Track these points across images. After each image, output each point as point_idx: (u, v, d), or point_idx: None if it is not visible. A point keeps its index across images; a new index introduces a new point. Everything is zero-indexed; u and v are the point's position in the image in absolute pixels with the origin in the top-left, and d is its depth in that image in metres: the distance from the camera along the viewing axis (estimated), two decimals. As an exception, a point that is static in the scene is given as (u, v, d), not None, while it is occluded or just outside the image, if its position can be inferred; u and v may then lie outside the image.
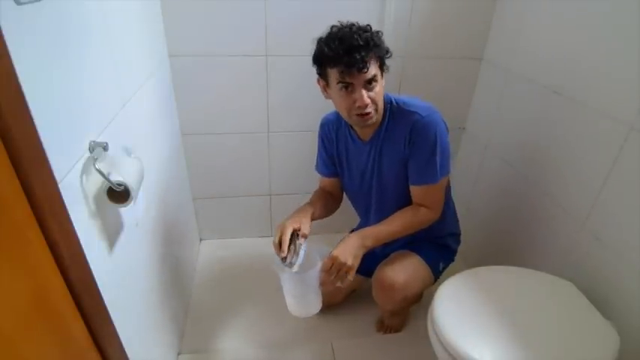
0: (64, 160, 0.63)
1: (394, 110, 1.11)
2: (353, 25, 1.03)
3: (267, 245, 1.88)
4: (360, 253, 1.08)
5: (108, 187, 0.74)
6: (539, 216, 1.33)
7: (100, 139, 0.74)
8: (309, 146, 1.71)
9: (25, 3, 0.52)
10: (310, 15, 1.44)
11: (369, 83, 1.01)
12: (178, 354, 1.38)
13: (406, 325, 1.51)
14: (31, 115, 0.53)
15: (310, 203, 1.23)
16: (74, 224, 0.62)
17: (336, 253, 1.06)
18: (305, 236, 1.10)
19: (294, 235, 1.09)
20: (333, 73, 1.01)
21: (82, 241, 0.64)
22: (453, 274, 1.13)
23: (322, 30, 1.46)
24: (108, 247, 0.79)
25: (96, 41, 0.80)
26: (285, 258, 1.04)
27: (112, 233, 0.81)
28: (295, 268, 1.03)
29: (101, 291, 0.71)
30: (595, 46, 1.09)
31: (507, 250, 1.50)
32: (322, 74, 1.06)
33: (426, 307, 1.07)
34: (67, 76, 0.67)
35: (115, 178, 0.73)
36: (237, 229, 1.92)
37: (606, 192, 1.05)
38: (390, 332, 1.48)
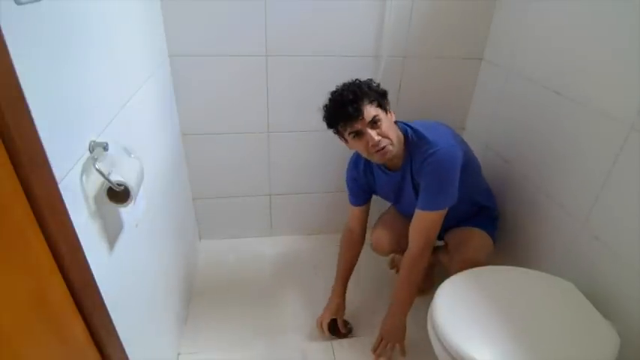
0: (64, 160, 0.63)
1: (414, 140, 1.20)
2: (345, 84, 1.17)
3: (266, 245, 1.91)
4: (402, 326, 1.30)
5: (108, 187, 0.74)
6: (539, 216, 1.33)
7: (100, 139, 0.74)
8: (309, 146, 1.71)
9: (25, 3, 0.52)
10: (310, 15, 1.44)
11: (374, 123, 1.12)
12: (178, 354, 1.38)
13: (432, 286, 1.49)
14: (31, 115, 0.53)
15: (338, 276, 1.45)
16: (74, 224, 0.62)
17: (383, 332, 1.32)
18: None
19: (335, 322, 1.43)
20: (342, 129, 1.15)
21: (82, 241, 0.64)
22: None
23: (322, 30, 1.48)
24: (108, 247, 0.79)
25: (96, 41, 0.80)
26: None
27: (112, 233, 0.81)
28: None
29: (101, 291, 0.71)
30: (595, 46, 1.09)
31: (507, 250, 1.50)
32: (337, 133, 1.20)
33: (426, 307, 1.07)
34: (66, 75, 0.67)
35: (115, 178, 0.73)
36: (237, 229, 1.92)
37: (606, 192, 1.05)
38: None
